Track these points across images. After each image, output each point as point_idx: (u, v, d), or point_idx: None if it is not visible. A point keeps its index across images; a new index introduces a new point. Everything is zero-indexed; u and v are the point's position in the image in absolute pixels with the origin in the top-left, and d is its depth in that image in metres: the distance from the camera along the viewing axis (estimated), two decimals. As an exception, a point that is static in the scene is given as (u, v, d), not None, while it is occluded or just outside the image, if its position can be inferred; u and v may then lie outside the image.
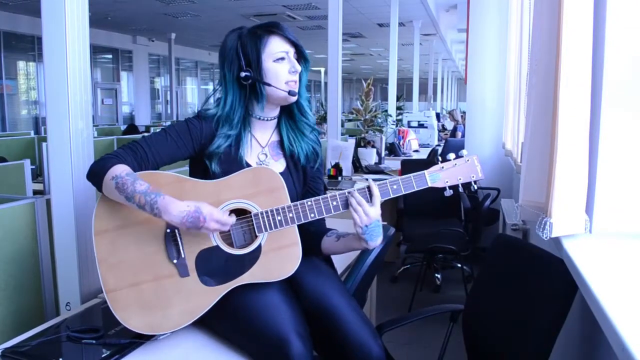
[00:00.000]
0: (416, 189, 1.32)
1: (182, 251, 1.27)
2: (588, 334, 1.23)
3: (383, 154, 4.89)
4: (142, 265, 1.26)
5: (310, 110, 1.50)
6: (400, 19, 7.89)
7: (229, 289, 1.27)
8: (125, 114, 13.89)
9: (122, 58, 13.59)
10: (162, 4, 9.18)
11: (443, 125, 10.27)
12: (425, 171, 1.33)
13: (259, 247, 1.29)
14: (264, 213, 1.28)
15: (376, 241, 1.35)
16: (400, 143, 5.98)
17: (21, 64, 10.93)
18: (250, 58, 1.36)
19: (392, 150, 5.67)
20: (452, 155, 1.35)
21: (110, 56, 13.31)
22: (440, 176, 1.34)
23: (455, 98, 26.43)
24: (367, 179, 3.64)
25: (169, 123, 9.28)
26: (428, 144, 7.00)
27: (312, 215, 1.30)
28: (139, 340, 1.25)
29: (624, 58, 1.16)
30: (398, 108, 8.95)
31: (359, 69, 22.13)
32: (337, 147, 3.90)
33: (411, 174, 1.32)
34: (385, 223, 1.59)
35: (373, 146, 4.71)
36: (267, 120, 1.43)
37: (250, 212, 1.29)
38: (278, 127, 1.47)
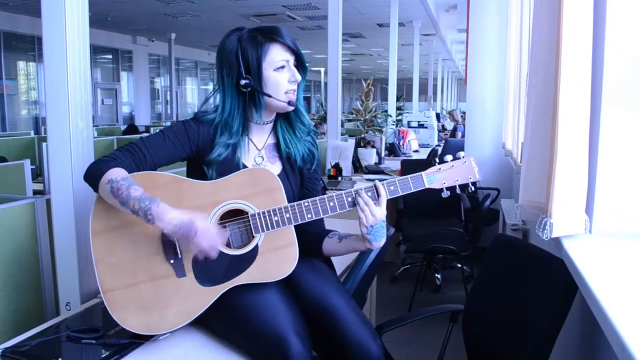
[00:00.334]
0: (413, 190, 1.33)
1: (179, 251, 1.26)
2: (588, 334, 1.23)
3: (383, 154, 4.89)
4: (139, 265, 1.25)
5: (307, 112, 1.50)
6: (400, 19, 7.89)
7: (226, 289, 1.27)
8: (125, 114, 13.90)
9: (122, 58, 13.60)
10: (162, 4, 9.18)
11: (443, 126, 10.27)
12: (423, 172, 1.33)
13: (256, 247, 1.29)
14: (261, 214, 1.28)
15: (380, 242, 1.35)
16: (400, 143, 5.98)
17: (21, 64, 10.94)
18: (250, 65, 1.36)
19: (392, 150, 5.67)
20: (449, 157, 1.35)
21: (110, 56, 13.32)
22: (438, 177, 1.34)
23: (455, 98, 26.43)
24: (367, 179, 3.65)
25: (168, 123, 9.30)
26: (428, 144, 7.00)
27: (309, 215, 1.30)
28: (139, 340, 1.25)
29: (624, 58, 1.16)
30: (398, 108, 8.94)
31: (359, 69, 22.13)
32: (337, 147, 3.89)
33: (408, 175, 1.32)
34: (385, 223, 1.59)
35: (373, 146, 4.71)
36: (264, 124, 1.44)
37: (247, 213, 1.29)
38: (274, 129, 1.48)
